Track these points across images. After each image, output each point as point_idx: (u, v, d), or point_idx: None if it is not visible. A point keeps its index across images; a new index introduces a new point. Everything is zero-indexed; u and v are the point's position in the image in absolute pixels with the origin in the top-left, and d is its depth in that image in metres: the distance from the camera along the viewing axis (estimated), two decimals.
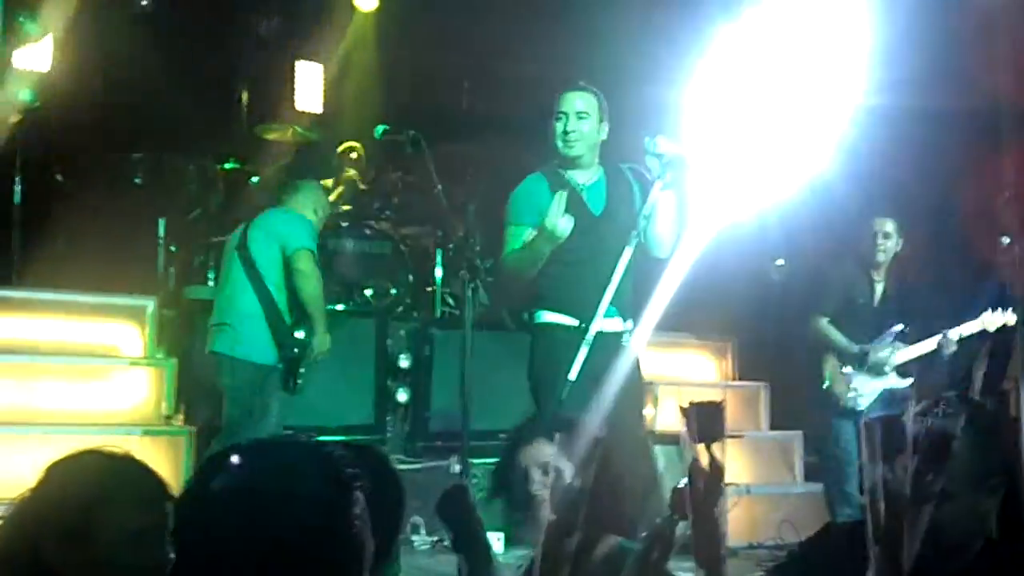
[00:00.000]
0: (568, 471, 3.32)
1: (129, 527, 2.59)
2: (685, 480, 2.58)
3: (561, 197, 5.20)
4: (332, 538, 1.97)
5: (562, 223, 5.16)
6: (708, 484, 2.46)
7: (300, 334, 6.35)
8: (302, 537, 1.94)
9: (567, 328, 5.33)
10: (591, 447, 3.15)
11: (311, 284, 6.37)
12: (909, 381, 7.33)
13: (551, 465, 3.48)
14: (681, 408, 2.56)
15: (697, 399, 2.48)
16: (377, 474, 2.68)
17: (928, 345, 7.28)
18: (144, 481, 2.73)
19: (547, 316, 5.43)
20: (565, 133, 5.45)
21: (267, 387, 6.28)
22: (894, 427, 2.47)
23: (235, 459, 2.01)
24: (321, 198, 6.92)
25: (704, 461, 2.60)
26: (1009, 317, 7.24)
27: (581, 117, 5.46)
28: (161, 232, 8.24)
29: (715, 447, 2.47)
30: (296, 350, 6.32)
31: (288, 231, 6.42)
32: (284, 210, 6.60)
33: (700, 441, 2.58)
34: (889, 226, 7.31)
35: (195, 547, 2.02)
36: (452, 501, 3.64)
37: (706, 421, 2.58)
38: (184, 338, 7.28)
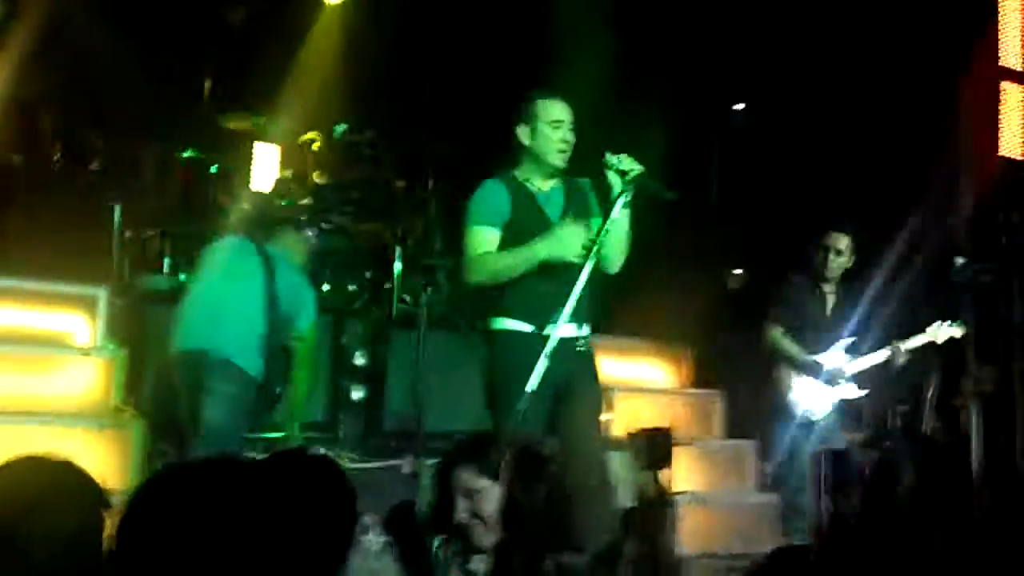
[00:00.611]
0: (494, 492, 3.30)
1: (64, 533, 2.62)
2: (632, 503, 2.58)
3: (571, 222, 5.25)
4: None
5: (573, 247, 5.17)
6: (654, 508, 2.45)
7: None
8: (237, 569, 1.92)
9: (524, 335, 5.27)
10: (540, 467, 3.12)
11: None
12: (864, 392, 7.41)
13: (474, 490, 3.44)
14: (629, 434, 2.55)
15: (645, 426, 2.46)
16: (328, 487, 2.66)
17: (879, 356, 7.37)
18: (79, 487, 2.72)
19: (506, 323, 5.36)
20: (564, 142, 5.39)
21: (252, 403, 6.24)
22: (842, 459, 2.47)
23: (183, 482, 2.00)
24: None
25: (651, 486, 2.60)
26: (956, 331, 7.34)
27: (571, 127, 5.41)
28: (117, 219, 8.13)
29: (661, 473, 2.46)
30: (279, 390, 6.28)
31: (311, 300, 6.49)
32: (299, 268, 6.63)
33: (647, 467, 2.57)
34: (843, 242, 7.44)
35: (132, 565, 2.01)
36: (399, 518, 3.64)
37: (653, 448, 2.57)
38: (136, 328, 7.19)
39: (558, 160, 5.38)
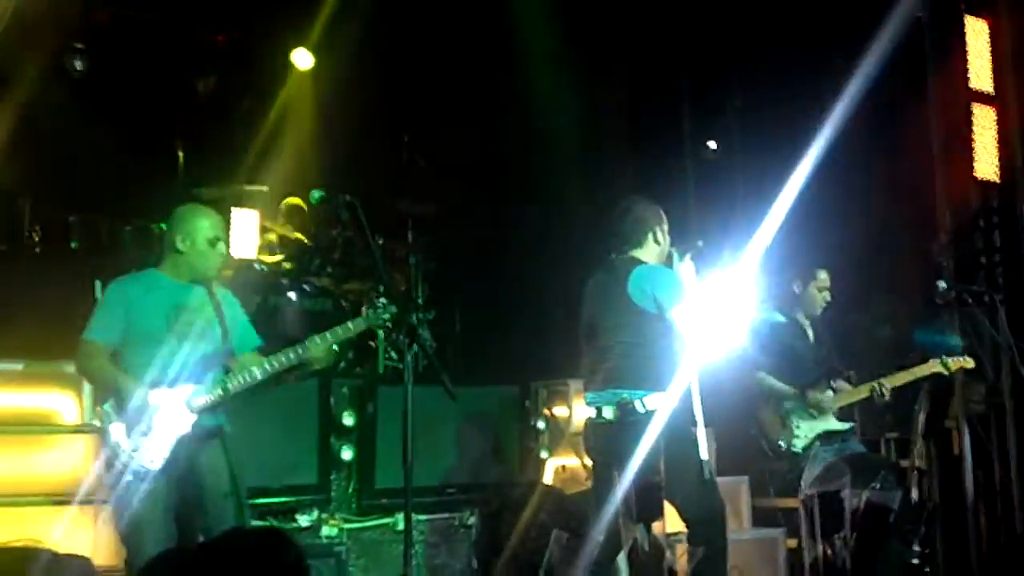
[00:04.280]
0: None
1: None
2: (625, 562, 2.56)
3: None
4: None
5: None
6: (649, 560, 2.43)
7: None
8: None
9: None
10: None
11: None
12: (847, 425, 7.40)
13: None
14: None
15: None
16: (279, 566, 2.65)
17: (861, 392, 7.36)
18: (55, 570, 2.69)
19: (660, 399, 5.70)
20: None
21: None
22: (832, 502, 2.46)
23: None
24: None
25: (644, 539, 2.59)
26: (966, 362, 7.35)
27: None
28: (98, 294, 8.12)
29: (655, 526, 2.45)
30: None
31: None
32: None
33: (639, 521, 2.56)
34: (826, 278, 7.51)
35: None
36: None
37: (644, 501, 2.56)
38: None
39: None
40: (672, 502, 5.51)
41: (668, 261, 6.01)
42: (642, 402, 5.62)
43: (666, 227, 6.08)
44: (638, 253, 6.00)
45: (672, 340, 5.77)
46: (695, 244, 6.03)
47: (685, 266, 5.95)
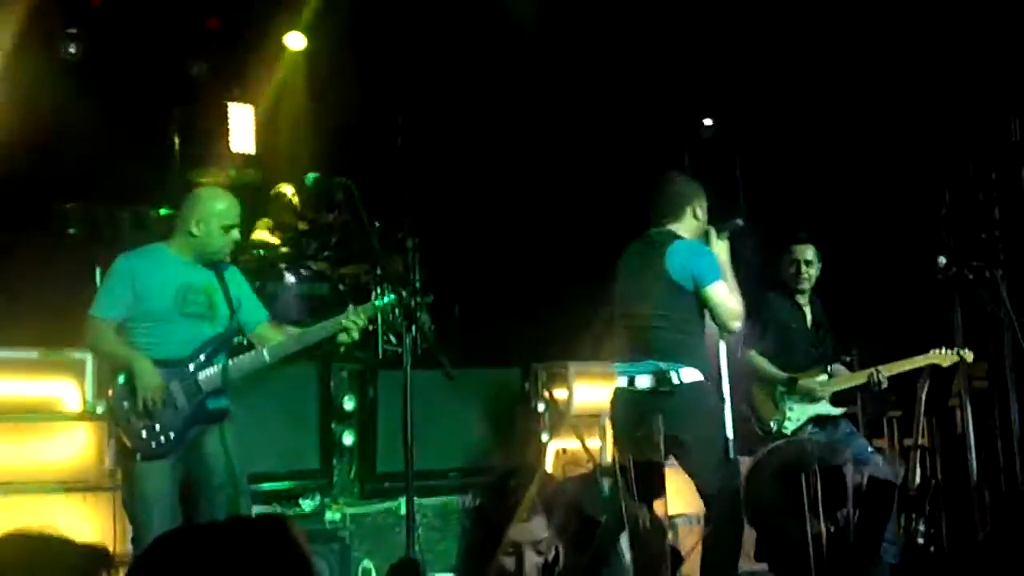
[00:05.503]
0: (561, 555, 3.15)
1: None
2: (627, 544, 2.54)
3: None
4: None
5: None
6: (651, 543, 2.41)
7: None
8: None
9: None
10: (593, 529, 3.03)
11: None
12: (840, 410, 7.35)
13: (546, 545, 3.25)
14: (621, 467, 2.51)
15: (636, 458, 2.43)
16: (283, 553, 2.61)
17: (858, 378, 7.32)
18: (72, 558, 2.65)
19: (700, 374, 5.79)
20: None
21: None
22: (833, 477, 2.45)
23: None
24: None
25: (646, 518, 2.56)
26: (966, 354, 7.32)
27: None
28: (98, 281, 8.09)
29: (656, 504, 2.43)
30: None
31: None
32: None
33: (641, 500, 2.54)
34: (810, 253, 7.42)
35: None
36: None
37: (646, 480, 2.54)
38: None
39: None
40: (693, 477, 5.53)
41: (704, 238, 6.02)
42: (678, 374, 5.64)
43: (705, 204, 6.09)
44: (676, 227, 6.03)
45: (705, 316, 5.80)
46: (734, 222, 6.05)
47: (722, 244, 5.96)
